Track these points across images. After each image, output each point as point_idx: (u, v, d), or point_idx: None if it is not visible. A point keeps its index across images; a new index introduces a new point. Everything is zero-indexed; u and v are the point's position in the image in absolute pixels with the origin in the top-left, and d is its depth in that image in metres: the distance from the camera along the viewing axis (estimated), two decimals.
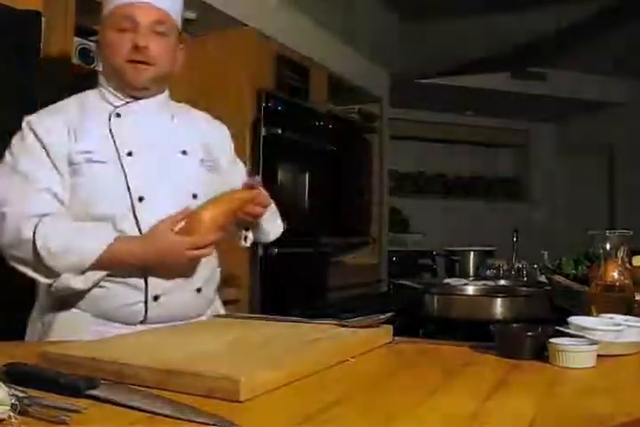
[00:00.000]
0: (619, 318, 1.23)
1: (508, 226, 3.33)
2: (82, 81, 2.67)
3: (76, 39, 2.68)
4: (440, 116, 6.97)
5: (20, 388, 0.78)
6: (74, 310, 1.44)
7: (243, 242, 1.61)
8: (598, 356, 1.07)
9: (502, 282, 2.39)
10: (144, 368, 0.89)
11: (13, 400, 0.72)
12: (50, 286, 1.38)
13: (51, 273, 1.36)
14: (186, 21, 3.11)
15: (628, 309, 1.32)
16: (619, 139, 6.60)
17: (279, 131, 3.35)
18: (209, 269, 1.54)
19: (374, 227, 5.30)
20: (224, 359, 0.95)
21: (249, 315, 1.55)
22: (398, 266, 5.71)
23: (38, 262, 1.35)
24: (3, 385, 0.73)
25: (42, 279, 1.39)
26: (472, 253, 2.94)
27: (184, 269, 1.46)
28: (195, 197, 1.50)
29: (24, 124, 1.48)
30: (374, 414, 0.78)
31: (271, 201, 1.58)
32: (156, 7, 1.48)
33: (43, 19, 2.24)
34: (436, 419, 0.77)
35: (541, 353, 1.09)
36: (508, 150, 7.64)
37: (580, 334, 1.12)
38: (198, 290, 1.50)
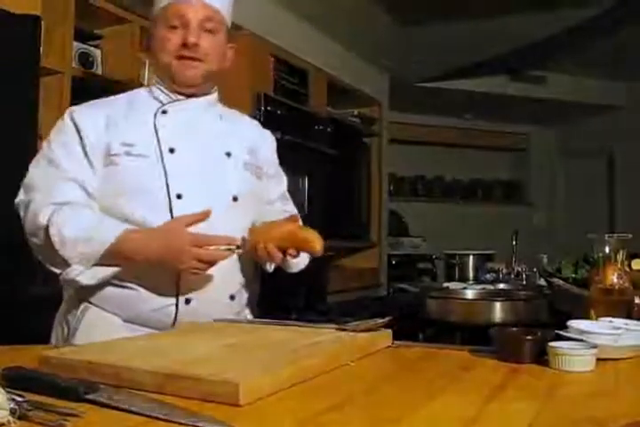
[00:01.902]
0: (618, 321, 1.23)
1: (508, 229, 3.33)
2: (81, 85, 2.68)
3: (76, 44, 2.69)
4: (439, 119, 6.98)
5: (19, 392, 0.77)
6: (104, 313, 1.42)
7: (268, 267, 1.55)
8: (598, 359, 1.06)
9: (502, 286, 2.38)
10: (143, 372, 0.88)
11: (12, 405, 0.72)
12: (60, 275, 1.37)
13: (63, 263, 1.35)
14: None
15: (628, 312, 1.32)
16: (618, 142, 6.60)
17: (278, 135, 3.31)
18: (244, 277, 1.53)
19: (374, 231, 5.30)
20: (223, 363, 0.95)
21: (248, 319, 1.55)
22: (398, 270, 5.70)
23: (50, 250, 1.34)
24: (2, 389, 0.73)
25: (54, 269, 1.37)
26: (471, 256, 2.94)
27: (213, 274, 1.41)
28: (235, 199, 1.49)
29: (65, 114, 1.48)
30: (374, 418, 0.78)
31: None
32: (207, 4, 1.48)
33: (42, 23, 2.25)
34: (435, 423, 0.77)
35: (541, 357, 1.09)
36: (508, 154, 7.64)
37: (580, 337, 1.12)
38: (232, 297, 1.49)
